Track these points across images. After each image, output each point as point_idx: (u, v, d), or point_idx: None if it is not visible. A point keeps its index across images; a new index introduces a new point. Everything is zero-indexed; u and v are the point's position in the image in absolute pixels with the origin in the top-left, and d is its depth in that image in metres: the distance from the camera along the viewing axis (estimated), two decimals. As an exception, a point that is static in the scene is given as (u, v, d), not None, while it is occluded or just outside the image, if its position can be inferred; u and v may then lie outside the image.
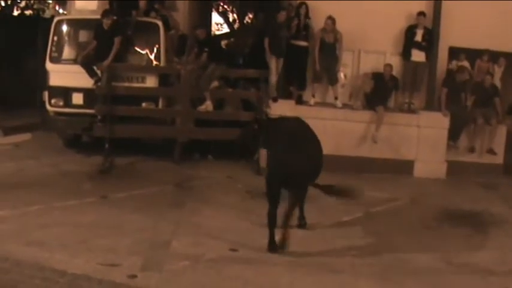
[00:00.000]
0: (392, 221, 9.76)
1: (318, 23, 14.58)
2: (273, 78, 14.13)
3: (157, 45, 14.29)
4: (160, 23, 14.26)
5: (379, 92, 14.52)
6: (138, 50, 14.43)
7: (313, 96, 14.51)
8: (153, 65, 14.34)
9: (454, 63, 15.17)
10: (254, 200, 11.08)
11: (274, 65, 14.13)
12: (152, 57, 14.31)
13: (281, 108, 13.75)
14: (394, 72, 14.78)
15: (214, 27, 29.95)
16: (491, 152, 14.77)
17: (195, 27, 14.81)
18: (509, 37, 14.82)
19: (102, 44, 13.58)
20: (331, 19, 14.26)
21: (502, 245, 9.71)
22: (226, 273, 7.68)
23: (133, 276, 7.28)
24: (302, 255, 8.54)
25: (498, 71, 15.37)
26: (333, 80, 14.54)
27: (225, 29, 30.81)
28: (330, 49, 14.41)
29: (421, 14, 14.69)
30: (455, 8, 14.65)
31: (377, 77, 14.73)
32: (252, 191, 11.54)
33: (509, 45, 14.94)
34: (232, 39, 23.01)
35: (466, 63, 15.17)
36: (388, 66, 14.67)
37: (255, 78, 14.34)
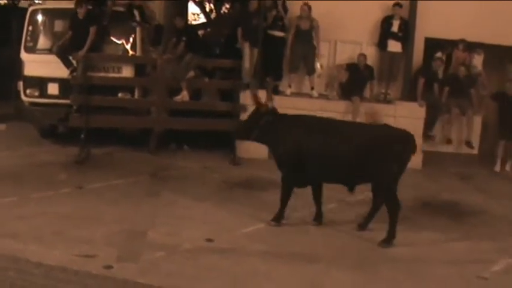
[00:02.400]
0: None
1: (294, 14, 14.60)
2: (246, 64, 14.12)
3: (133, 35, 14.23)
4: (136, 13, 14.21)
5: (354, 82, 14.56)
6: (114, 39, 14.34)
7: (290, 86, 14.53)
8: (129, 55, 14.28)
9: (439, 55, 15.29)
10: (230, 190, 11.11)
11: (247, 51, 14.13)
12: (128, 47, 14.24)
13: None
14: (370, 63, 14.83)
15: (191, 17, 29.82)
16: (468, 145, 14.88)
17: (174, 16, 14.76)
18: (486, 28, 14.88)
19: (78, 33, 13.47)
20: (307, 5, 14.29)
21: (478, 234, 9.78)
22: (202, 263, 7.69)
23: (110, 267, 7.27)
24: (278, 245, 8.58)
25: (478, 58, 15.47)
26: (311, 70, 14.56)
27: (202, 19, 30.69)
28: (305, 37, 14.43)
29: (397, 4, 14.73)
30: (431, -1, 14.74)
31: (352, 67, 14.76)
32: (229, 181, 11.54)
33: (485, 36, 15.01)
34: (209, 29, 22.95)
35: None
36: (362, 56, 14.71)
37: (231, 68, 14.30)
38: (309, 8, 14.30)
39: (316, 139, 9.05)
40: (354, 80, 14.60)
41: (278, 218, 9.37)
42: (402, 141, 9.06)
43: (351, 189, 9.27)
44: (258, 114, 9.60)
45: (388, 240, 8.83)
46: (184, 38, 13.78)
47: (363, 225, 9.45)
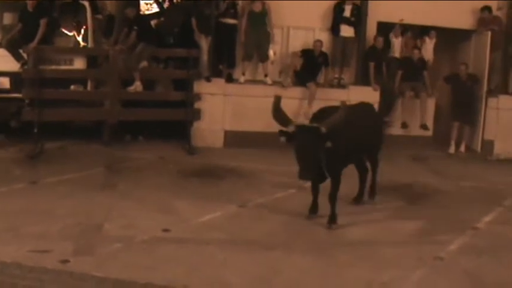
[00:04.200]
0: (324, 196, 9.82)
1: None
2: (204, 57, 14.06)
3: (84, 27, 14.06)
4: (87, 4, 14.03)
5: (309, 68, 14.59)
6: (65, 31, 14.16)
7: (243, 74, 14.50)
8: (81, 46, 14.12)
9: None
10: (186, 180, 11.08)
11: (205, 44, 14.07)
12: (80, 38, 14.08)
13: (211, 87, 13.78)
14: (324, 48, 14.85)
15: (143, 7, 29.58)
16: (424, 127, 15.03)
17: (126, 6, 14.62)
18: (438, 12, 15.03)
19: (28, 26, 13.26)
20: None
21: (432, 215, 9.92)
22: (159, 254, 7.66)
23: (66, 261, 7.20)
24: (235, 233, 8.61)
25: (430, 42, 15.62)
26: (264, 57, 14.55)
27: (155, 9, 30.47)
28: (259, 21, 14.42)
29: (349, -11, 14.83)
30: (384, -17, 14.83)
31: (307, 53, 14.78)
32: (184, 171, 11.51)
33: (438, 20, 15.17)
34: (162, 19, 22.76)
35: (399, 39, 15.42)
36: (319, 41, 14.72)
37: (185, 57, 14.23)
38: None
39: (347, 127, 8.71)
40: (309, 66, 14.63)
41: (335, 217, 9.14)
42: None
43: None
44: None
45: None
46: (136, 28, 13.68)
47: (357, 199, 10.22)
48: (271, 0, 14.46)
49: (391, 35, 15.36)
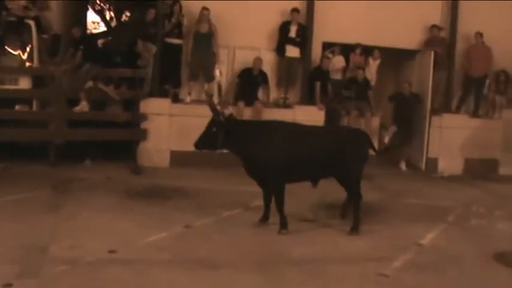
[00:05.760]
0: (271, 214, 9.91)
1: (191, 21, 14.70)
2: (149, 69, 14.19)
3: (30, 46, 13.96)
4: (32, 23, 13.94)
5: (246, 87, 14.73)
6: (10, 50, 14.03)
7: (190, 94, 14.56)
8: (26, 66, 14.00)
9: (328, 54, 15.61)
10: (133, 200, 11.05)
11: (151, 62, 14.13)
12: (25, 58, 13.96)
13: (157, 107, 13.80)
14: (269, 68, 15.03)
15: (91, 26, 29.44)
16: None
17: (72, 26, 14.56)
18: (381, 32, 15.31)
19: (-29, 44, 13.16)
20: (207, 10, 14.40)
21: (376, 232, 10.04)
22: (105, 276, 7.61)
23: (9, 285, 7.09)
24: (181, 253, 8.58)
25: (373, 63, 15.88)
26: (210, 77, 14.62)
27: (103, 28, 30.32)
28: (204, 41, 14.51)
29: (294, 10, 15.03)
30: (328, 4, 15.06)
31: (245, 72, 14.89)
32: (131, 191, 11.49)
33: (381, 40, 15.44)
34: (109, 38, 22.70)
35: (341, 58, 15.61)
36: (258, 60, 14.83)
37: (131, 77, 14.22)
38: (209, 12, 14.41)
39: (299, 142, 9.60)
40: (248, 85, 14.76)
41: (285, 224, 9.62)
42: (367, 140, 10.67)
43: (316, 184, 10.18)
44: (215, 123, 9.62)
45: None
46: (81, 48, 13.64)
47: (342, 214, 10.45)
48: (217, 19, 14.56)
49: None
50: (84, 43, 14.09)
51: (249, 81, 14.77)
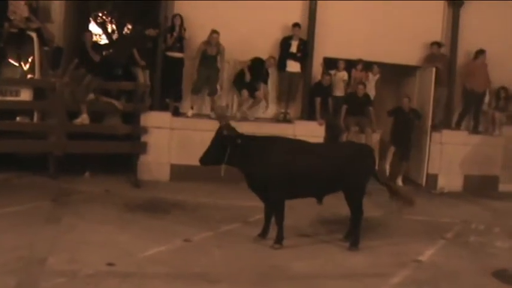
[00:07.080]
0: (271, 229, 9.91)
1: (192, 33, 14.74)
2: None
3: (31, 58, 13.99)
4: (34, 35, 13.96)
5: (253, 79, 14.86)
6: (12, 62, 14.06)
7: (192, 108, 14.58)
8: (28, 78, 14.02)
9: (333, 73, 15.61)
10: (132, 213, 11.05)
11: (141, 76, 14.29)
12: (26, 69, 13.99)
13: (157, 120, 13.81)
14: (270, 83, 15.05)
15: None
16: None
17: (75, 38, 14.58)
18: (381, 47, 15.35)
19: (-27, 56, 13.19)
20: (216, 33, 14.40)
21: (375, 248, 10.06)
22: (103, 289, 7.60)
23: (7, 297, 7.12)
24: (179, 267, 8.58)
25: (372, 79, 15.89)
26: (213, 91, 14.65)
27: (104, 40, 30.46)
28: (211, 61, 14.56)
29: (296, 25, 15.06)
30: (329, 20, 15.09)
31: (256, 61, 14.96)
32: (130, 204, 11.49)
33: (382, 56, 15.48)
34: (110, 51, 22.78)
35: (344, 73, 15.63)
36: (272, 59, 15.04)
37: (132, 90, 14.25)
38: (218, 35, 14.44)
39: (301, 158, 9.59)
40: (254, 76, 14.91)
41: (281, 239, 9.64)
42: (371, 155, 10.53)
43: (321, 200, 10.14)
44: (224, 139, 9.62)
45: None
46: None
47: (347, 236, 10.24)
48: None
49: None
50: (86, 54, 14.11)
51: (256, 73, 14.89)
